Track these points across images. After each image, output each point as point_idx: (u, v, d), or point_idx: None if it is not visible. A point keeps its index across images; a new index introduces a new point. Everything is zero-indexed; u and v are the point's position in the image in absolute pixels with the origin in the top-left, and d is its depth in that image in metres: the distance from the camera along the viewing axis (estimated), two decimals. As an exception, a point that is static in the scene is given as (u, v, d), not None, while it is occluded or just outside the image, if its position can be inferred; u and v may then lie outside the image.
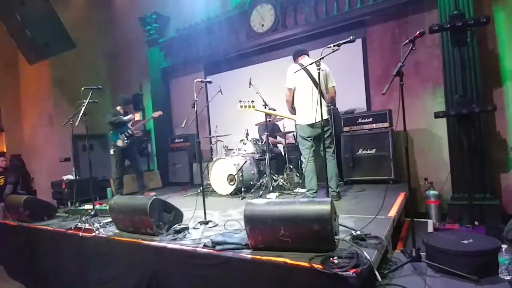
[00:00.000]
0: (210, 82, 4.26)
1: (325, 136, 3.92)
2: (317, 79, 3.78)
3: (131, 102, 5.99)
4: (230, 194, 5.09)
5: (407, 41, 2.56)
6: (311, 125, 3.92)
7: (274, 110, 5.21)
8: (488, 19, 4.01)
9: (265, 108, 5.06)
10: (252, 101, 4.55)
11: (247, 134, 5.50)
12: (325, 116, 3.88)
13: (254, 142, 5.45)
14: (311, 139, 3.91)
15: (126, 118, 5.76)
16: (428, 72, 5.11)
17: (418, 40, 2.55)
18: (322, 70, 3.91)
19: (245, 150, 5.42)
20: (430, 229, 4.20)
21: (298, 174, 5.38)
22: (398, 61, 2.54)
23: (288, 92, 4.10)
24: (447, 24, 4.21)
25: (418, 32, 2.54)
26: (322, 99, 3.87)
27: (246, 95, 4.79)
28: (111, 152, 5.72)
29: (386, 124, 4.99)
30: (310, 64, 3.48)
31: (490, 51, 4.60)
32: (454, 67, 4.44)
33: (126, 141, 5.66)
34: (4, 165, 7.13)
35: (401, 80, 2.47)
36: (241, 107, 4.51)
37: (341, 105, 5.64)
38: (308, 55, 4.20)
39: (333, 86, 4.12)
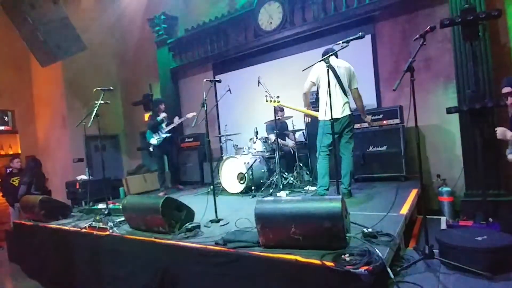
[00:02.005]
0: (219, 81, 4.27)
1: (346, 130, 3.92)
2: (341, 77, 3.83)
3: (161, 102, 6.55)
4: (241, 192, 5.12)
5: (417, 36, 2.53)
6: (335, 120, 3.82)
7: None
8: (499, 13, 3.93)
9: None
10: (278, 96, 4.57)
11: (257, 132, 5.51)
12: (348, 112, 3.89)
13: (264, 140, 5.45)
14: (332, 137, 3.81)
15: (158, 118, 6.23)
16: (440, 67, 5.03)
17: (429, 35, 2.51)
18: (345, 67, 3.96)
19: (255, 149, 5.43)
20: (443, 226, 4.15)
21: (308, 172, 5.37)
22: (408, 56, 2.53)
23: (310, 83, 4.01)
24: (458, 18, 4.14)
25: (429, 27, 2.50)
26: (345, 95, 3.89)
27: (255, 93, 4.80)
28: (151, 149, 6.30)
29: (397, 121, 4.94)
30: (320, 61, 3.45)
31: (503, 45, 4.51)
32: (466, 62, 4.37)
33: (158, 138, 6.14)
34: (19, 166, 7.25)
35: (412, 75, 2.44)
36: (267, 101, 4.52)
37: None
38: (336, 56, 4.11)
39: (356, 88, 4.04)
